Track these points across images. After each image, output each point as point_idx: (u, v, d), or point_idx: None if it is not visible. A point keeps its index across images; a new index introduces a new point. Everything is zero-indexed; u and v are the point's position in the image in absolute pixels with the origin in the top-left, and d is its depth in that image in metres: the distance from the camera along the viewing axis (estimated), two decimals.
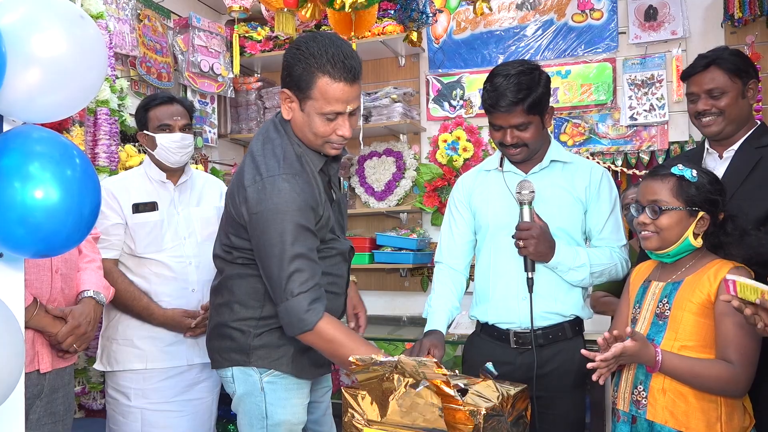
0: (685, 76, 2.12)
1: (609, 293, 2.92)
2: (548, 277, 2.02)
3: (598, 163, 3.56)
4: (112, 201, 2.39)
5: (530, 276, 1.97)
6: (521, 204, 1.97)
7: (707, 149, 2.14)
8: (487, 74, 2.07)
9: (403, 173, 4.05)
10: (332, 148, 1.83)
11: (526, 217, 1.96)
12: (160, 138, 2.41)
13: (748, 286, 1.41)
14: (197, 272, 2.43)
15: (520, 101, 1.95)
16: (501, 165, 2.16)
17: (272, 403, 1.85)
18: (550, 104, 2.07)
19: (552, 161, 2.11)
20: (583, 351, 1.68)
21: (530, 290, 1.97)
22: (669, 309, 1.72)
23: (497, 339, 2.10)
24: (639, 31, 3.70)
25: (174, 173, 2.49)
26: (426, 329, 2.03)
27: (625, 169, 3.71)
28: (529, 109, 1.97)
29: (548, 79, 2.03)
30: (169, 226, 2.42)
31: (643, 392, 1.73)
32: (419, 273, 4.05)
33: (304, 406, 1.92)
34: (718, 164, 2.07)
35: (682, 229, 1.73)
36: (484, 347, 2.13)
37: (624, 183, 3.75)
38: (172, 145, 2.41)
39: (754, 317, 1.43)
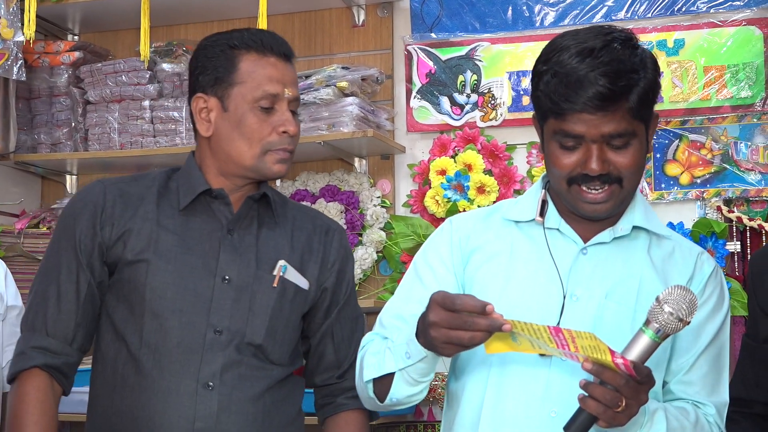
0: None
1: None
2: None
3: (738, 219, 2.61)
4: None
5: None
6: (650, 328, 1.28)
7: None
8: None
9: (360, 234, 2.77)
10: (278, 160, 1.65)
11: (639, 353, 1.26)
12: None
13: None
14: None
15: (624, 92, 1.40)
16: (542, 215, 1.62)
17: None
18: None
19: (636, 228, 1.55)
20: None
21: None
22: None
23: None
24: None
25: None
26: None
27: None
28: (638, 109, 1.42)
29: (656, 61, 1.53)
30: None
31: None
32: (393, 430, 2.69)
33: None
34: None
35: None
36: None
37: None
38: None
39: None
